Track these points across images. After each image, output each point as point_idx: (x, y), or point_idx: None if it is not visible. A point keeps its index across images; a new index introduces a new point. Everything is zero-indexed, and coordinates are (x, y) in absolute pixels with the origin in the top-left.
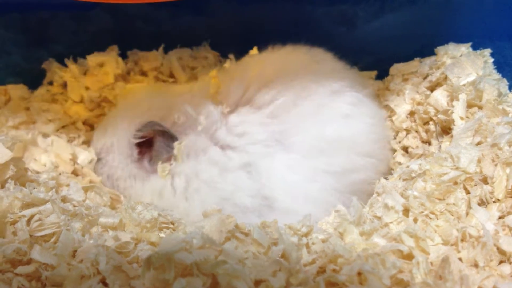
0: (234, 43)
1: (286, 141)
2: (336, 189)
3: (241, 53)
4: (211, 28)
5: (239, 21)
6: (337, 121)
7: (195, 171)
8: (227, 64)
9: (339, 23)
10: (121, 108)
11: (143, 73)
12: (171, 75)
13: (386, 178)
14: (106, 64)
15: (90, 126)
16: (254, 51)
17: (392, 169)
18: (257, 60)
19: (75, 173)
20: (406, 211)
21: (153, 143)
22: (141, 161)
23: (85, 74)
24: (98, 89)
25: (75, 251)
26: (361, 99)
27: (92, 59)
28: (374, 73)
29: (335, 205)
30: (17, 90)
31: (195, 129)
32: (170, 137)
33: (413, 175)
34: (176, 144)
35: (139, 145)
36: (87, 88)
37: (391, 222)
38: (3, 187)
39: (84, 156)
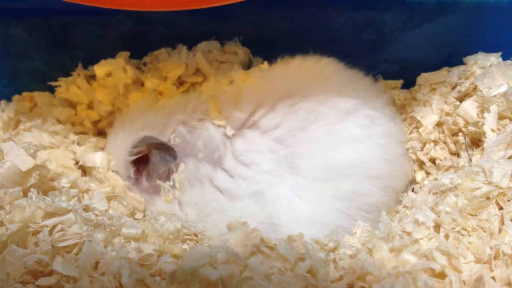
0: (255, 50)
1: (292, 164)
2: (343, 212)
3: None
4: (233, 34)
5: (262, 27)
6: (347, 146)
7: (203, 200)
8: (244, 71)
9: (364, 30)
10: (117, 127)
11: (162, 77)
12: (197, 72)
13: (413, 191)
14: (113, 73)
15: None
16: (265, 66)
17: (418, 182)
18: (263, 77)
19: (95, 177)
20: (437, 227)
21: (149, 158)
22: (139, 181)
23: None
24: (109, 102)
25: (97, 262)
26: (373, 118)
27: (99, 69)
28: (400, 82)
29: (345, 229)
30: (42, 97)
31: (194, 155)
32: (166, 149)
33: (444, 189)
34: (175, 176)
35: (136, 163)
36: (100, 102)
37: (421, 238)
38: (25, 195)
39: (102, 159)
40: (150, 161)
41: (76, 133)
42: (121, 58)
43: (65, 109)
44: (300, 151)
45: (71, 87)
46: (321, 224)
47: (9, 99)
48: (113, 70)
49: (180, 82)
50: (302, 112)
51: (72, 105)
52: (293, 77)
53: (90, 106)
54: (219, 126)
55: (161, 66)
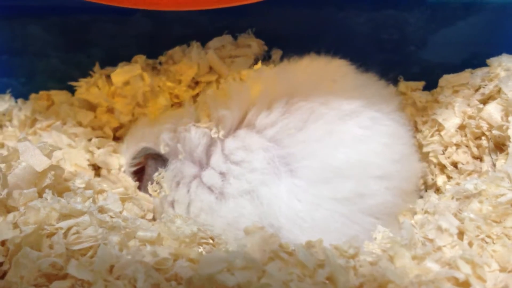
0: (272, 48)
1: (289, 166)
2: (346, 216)
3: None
4: (253, 26)
5: (278, 26)
6: (347, 145)
7: (189, 200)
8: (257, 66)
9: (384, 30)
10: (125, 139)
11: (177, 80)
12: (210, 71)
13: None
14: (131, 82)
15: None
16: (258, 65)
17: (439, 186)
18: (264, 76)
19: (107, 178)
20: (460, 234)
21: (144, 171)
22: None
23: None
24: (129, 112)
25: (112, 266)
26: (378, 118)
27: (116, 78)
28: (421, 84)
29: (346, 234)
30: (60, 96)
31: (176, 158)
32: (162, 160)
33: (467, 194)
34: (155, 176)
35: (137, 173)
36: (120, 112)
37: (444, 246)
38: (40, 195)
39: (114, 161)
40: (146, 172)
41: (96, 137)
42: (138, 64)
43: (88, 113)
44: (297, 151)
45: (92, 88)
46: (322, 228)
47: (26, 98)
48: (131, 78)
49: (195, 83)
50: (301, 112)
51: (92, 107)
52: (298, 78)
53: (110, 110)
54: (204, 128)
55: (174, 69)
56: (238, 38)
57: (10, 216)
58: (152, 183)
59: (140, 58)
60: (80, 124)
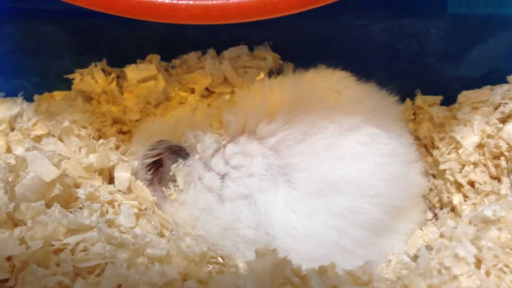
0: (287, 56)
1: (288, 176)
2: (338, 229)
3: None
4: (265, 39)
5: (294, 34)
6: (345, 161)
7: (194, 201)
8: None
9: (401, 40)
10: (138, 133)
11: (189, 89)
12: (225, 81)
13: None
14: (146, 82)
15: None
16: (261, 76)
17: (455, 205)
18: (270, 86)
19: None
20: (478, 262)
21: (162, 162)
22: (153, 184)
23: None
24: (139, 111)
25: (120, 285)
26: (376, 136)
27: (132, 74)
28: (438, 98)
29: (338, 244)
30: (63, 96)
31: (193, 156)
32: (182, 154)
33: (485, 220)
34: (173, 167)
35: (150, 166)
36: (129, 110)
37: (461, 275)
38: (48, 206)
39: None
40: (164, 164)
41: (97, 129)
42: (153, 65)
43: (86, 105)
44: (296, 162)
45: (87, 78)
46: (315, 240)
47: None
48: (147, 77)
49: (208, 92)
50: (303, 124)
51: (89, 98)
52: (302, 90)
53: (109, 101)
54: (217, 133)
55: (188, 77)
56: (255, 50)
57: (17, 231)
58: (169, 178)
59: (155, 58)
60: (83, 125)
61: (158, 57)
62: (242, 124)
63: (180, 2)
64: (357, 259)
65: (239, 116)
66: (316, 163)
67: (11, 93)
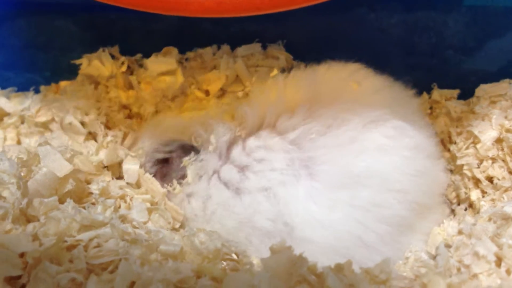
0: (300, 51)
1: (309, 169)
2: (360, 222)
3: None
4: (278, 34)
5: (308, 28)
6: (369, 154)
7: (208, 193)
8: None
9: (416, 33)
10: (148, 129)
11: (203, 90)
12: (237, 80)
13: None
14: (166, 75)
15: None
16: (274, 72)
17: (472, 201)
18: (284, 81)
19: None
20: (498, 260)
21: (171, 160)
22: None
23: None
24: (155, 103)
25: (133, 282)
26: (402, 129)
27: (152, 67)
28: (455, 92)
29: (360, 238)
30: (69, 86)
31: (206, 149)
32: (194, 152)
33: (506, 217)
34: (185, 160)
35: (158, 162)
36: (145, 101)
37: (481, 273)
38: (61, 201)
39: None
40: (172, 162)
41: (105, 114)
42: (173, 59)
43: (94, 91)
44: (318, 155)
45: (95, 62)
46: (336, 231)
47: None
48: (166, 71)
49: (222, 91)
50: (324, 118)
51: (96, 83)
52: (318, 84)
53: (118, 86)
54: (229, 125)
55: (202, 79)
56: (268, 48)
57: (30, 227)
58: (174, 176)
59: (173, 51)
60: (87, 112)
61: (176, 49)
62: (259, 118)
63: None
64: (377, 255)
65: (255, 109)
66: (339, 156)
67: (23, 88)
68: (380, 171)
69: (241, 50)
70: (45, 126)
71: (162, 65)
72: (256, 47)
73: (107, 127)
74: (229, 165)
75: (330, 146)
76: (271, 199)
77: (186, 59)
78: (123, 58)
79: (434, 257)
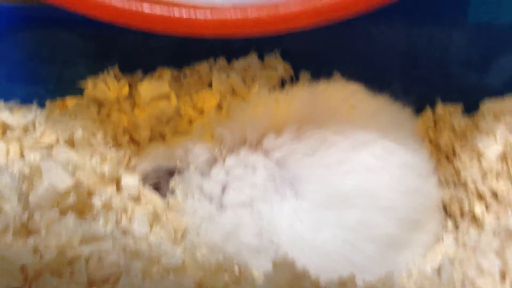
0: (302, 64)
1: (295, 188)
2: (348, 242)
3: (313, 75)
4: (277, 46)
5: (310, 40)
6: (358, 173)
7: (193, 208)
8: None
9: (420, 48)
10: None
11: (198, 109)
12: (233, 94)
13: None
14: (158, 100)
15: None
16: (255, 89)
17: (476, 215)
18: (277, 96)
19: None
20: (503, 275)
21: (160, 186)
22: None
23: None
24: (149, 128)
25: None
26: (392, 149)
27: (145, 92)
28: (460, 107)
29: (348, 258)
30: (75, 102)
31: (188, 169)
32: (179, 172)
33: (510, 232)
34: (171, 184)
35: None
36: (139, 126)
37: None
38: (63, 214)
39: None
40: (162, 188)
41: (111, 136)
42: (166, 82)
43: (98, 114)
44: (304, 174)
45: (100, 85)
46: (324, 251)
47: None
48: (159, 95)
49: (219, 109)
50: (313, 140)
51: (101, 105)
52: (313, 103)
53: (120, 110)
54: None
55: (196, 98)
56: (265, 58)
57: (31, 240)
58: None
59: (166, 72)
60: (93, 133)
61: (169, 71)
62: (240, 136)
63: (198, 15)
64: (367, 274)
65: (234, 128)
66: (326, 175)
67: (26, 100)
68: (369, 189)
69: (238, 63)
70: (49, 147)
71: (154, 90)
72: (253, 58)
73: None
74: (210, 181)
75: (317, 166)
76: (254, 214)
77: (184, 76)
78: (123, 81)
79: (437, 272)
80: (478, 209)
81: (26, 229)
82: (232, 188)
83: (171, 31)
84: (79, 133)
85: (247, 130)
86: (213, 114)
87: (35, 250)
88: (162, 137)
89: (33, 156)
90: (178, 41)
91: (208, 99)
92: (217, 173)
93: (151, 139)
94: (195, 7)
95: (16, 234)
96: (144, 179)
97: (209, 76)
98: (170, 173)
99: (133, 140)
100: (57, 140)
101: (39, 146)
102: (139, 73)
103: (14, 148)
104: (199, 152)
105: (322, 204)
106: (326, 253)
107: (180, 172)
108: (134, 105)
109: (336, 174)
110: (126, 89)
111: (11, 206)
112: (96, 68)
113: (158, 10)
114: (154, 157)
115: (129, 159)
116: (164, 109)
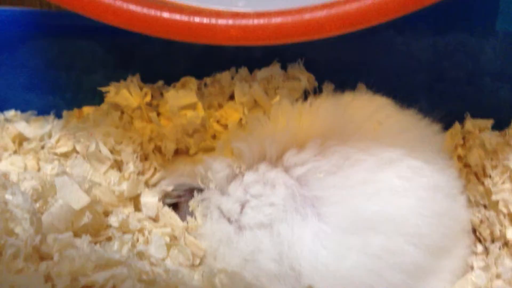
0: (325, 75)
1: (317, 209)
2: (373, 271)
3: (336, 86)
4: (299, 55)
5: (333, 50)
6: (382, 198)
7: (211, 231)
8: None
9: (447, 58)
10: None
11: (222, 125)
12: (256, 105)
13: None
14: (186, 110)
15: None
16: (277, 99)
17: (508, 239)
18: (301, 109)
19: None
20: None
21: (180, 205)
22: None
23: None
24: (175, 140)
25: None
26: (418, 169)
27: (173, 101)
28: (489, 122)
29: (371, 286)
30: (93, 112)
31: (207, 187)
32: (195, 192)
33: None
34: (191, 204)
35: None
36: (165, 138)
37: None
38: (77, 235)
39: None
40: (181, 207)
41: (139, 144)
42: (193, 92)
43: (118, 119)
44: (327, 196)
45: (122, 92)
46: (347, 281)
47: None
48: (187, 105)
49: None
50: (336, 157)
51: (122, 111)
52: (337, 118)
53: (143, 119)
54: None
55: (219, 114)
56: (288, 69)
57: (43, 266)
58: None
59: (191, 82)
60: (117, 141)
61: (194, 80)
62: (259, 151)
63: (219, 22)
64: None
65: (254, 142)
66: (349, 198)
67: (43, 110)
68: (394, 215)
69: (260, 73)
70: (65, 156)
71: (181, 99)
72: (275, 68)
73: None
74: (228, 199)
75: (340, 187)
76: (273, 238)
77: (205, 85)
78: (145, 89)
79: None
80: (510, 234)
81: (38, 254)
82: (250, 207)
83: (191, 39)
84: (98, 142)
85: (266, 144)
86: (231, 129)
87: (47, 277)
88: (187, 149)
89: (49, 170)
90: (199, 51)
91: (231, 114)
92: (235, 190)
93: (176, 151)
94: (217, 13)
95: (28, 259)
96: (164, 197)
97: (231, 86)
98: (191, 191)
99: (157, 150)
100: (74, 149)
101: (55, 158)
102: (159, 83)
103: (30, 162)
104: (218, 168)
105: (345, 229)
106: (350, 283)
107: (200, 190)
108: (158, 114)
109: (360, 197)
110: (149, 97)
111: (23, 229)
112: (115, 77)
113: (178, 16)
114: (177, 175)
115: (155, 170)
116: (191, 119)
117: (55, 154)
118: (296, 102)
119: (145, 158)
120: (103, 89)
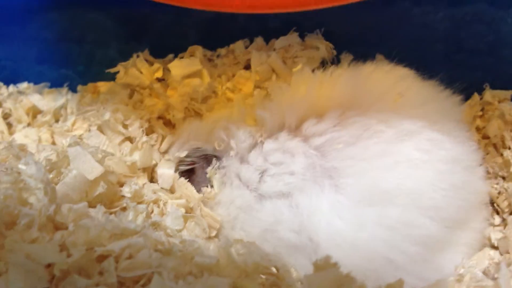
0: (342, 46)
1: (334, 180)
2: (389, 243)
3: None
4: (316, 26)
5: (350, 21)
6: (400, 170)
7: (231, 198)
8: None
9: (464, 29)
10: (176, 139)
11: (237, 89)
12: (273, 75)
13: None
14: (190, 78)
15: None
16: (299, 67)
17: (510, 205)
18: (321, 77)
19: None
20: None
21: (195, 171)
22: None
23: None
24: (183, 109)
25: None
26: (437, 141)
27: (176, 71)
28: (509, 93)
29: (389, 259)
30: (107, 87)
31: (227, 154)
32: (215, 161)
33: None
34: (209, 169)
35: (185, 174)
36: (173, 108)
37: None
38: (91, 205)
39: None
40: (196, 173)
41: (147, 120)
42: (197, 59)
43: (129, 98)
44: (344, 167)
45: (131, 70)
46: (364, 251)
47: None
48: (191, 73)
49: (256, 86)
50: (356, 127)
51: (133, 90)
52: (358, 88)
53: (153, 95)
54: (251, 128)
55: (231, 84)
56: (306, 38)
57: (58, 235)
58: (202, 185)
59: (198, 50)
60: (127, 117)
61: (201, 48)
62: (279, 120)
63: None
64: (409, 276)
65: (275, 111)
66: (367, 169)
67: (56, 83)
68: (412, 188)
69: (278, 42)
70: (80, 132)
71: (185, 68)
72: (293, 37)
73: (147, 134)
74: (248, 167)
75: (358, 158)
76: (293, 209)
77: (218, 56)
78: (156, 64)
79: (486, 274)
80: None
81: (52, 223)
82: (269, 175)
83: (205, 6)
84: (110, 119)
85: (286, 113)
86: (256, 96)
87: (62, 247)
88: (198, 116)
89: (63, 142)
90: (211, 21)
91: (246, 80)
92: (255, 158)
93: (186, 119)
94: None
95: (42, 229)
96: (179, 163)
97: (245, 56)
98: (206, 158)
99: (167, 123)
100: (89, 126)
101: (70, 132)
102: (170, 56)
103: (45, 135)
104: (243, 137)
105: (362, 201)
106: (366, 253)
107: (216, 157)
108: (167, 87)
109: (378, 169)
110: (160, 72)
111: (37, 198)
112: (127, 50)
113: None
114: (191, 137)
115: (162, 138)
116: (196, 86)
117: (71, 132)
118: (314, 72)
119: (152, 131)
120: (112, 70)
